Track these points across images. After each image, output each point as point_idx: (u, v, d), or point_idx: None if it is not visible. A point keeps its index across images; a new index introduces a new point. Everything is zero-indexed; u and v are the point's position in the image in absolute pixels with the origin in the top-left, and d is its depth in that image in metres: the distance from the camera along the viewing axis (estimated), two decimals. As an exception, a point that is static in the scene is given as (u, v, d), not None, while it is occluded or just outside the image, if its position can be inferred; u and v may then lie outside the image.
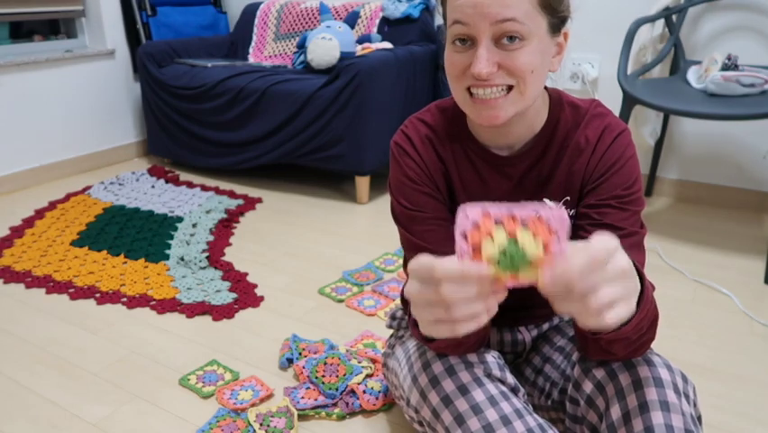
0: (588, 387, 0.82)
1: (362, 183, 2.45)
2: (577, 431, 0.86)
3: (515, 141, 0.88)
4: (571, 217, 0.90)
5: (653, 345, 0.84)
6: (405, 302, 1.13)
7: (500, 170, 0.90)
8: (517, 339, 1.05)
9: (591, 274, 0.55)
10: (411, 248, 0.92)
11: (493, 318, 1.04)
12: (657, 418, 0.74)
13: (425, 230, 0.90)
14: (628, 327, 0.69)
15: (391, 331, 1.21)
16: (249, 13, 3.18)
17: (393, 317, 1.15)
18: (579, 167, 0.87)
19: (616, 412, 0.77)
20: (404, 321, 1.12)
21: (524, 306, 1.02)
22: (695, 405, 0.80)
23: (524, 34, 0.74)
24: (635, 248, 0.82)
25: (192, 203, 2.47)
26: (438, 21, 2.73)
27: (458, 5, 0.76)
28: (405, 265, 0.96)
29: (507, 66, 0.76)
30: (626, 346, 0.76)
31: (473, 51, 0.77)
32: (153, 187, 2.69)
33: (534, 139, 0.88)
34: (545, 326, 1.06)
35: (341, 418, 1.23)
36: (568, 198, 0.89)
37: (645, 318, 0.72)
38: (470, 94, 0.80)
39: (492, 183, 0.90)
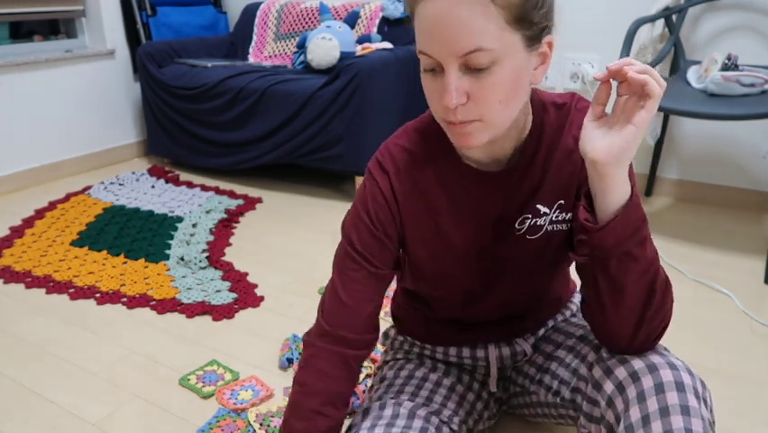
0: (609, 388, 0.82)
1: (362, 183, 2.44)
2: (592, 431, 0.85)
3: (501, 154, 0.85)
4: (567, 221, 0.89)
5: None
6: (396, 318, 1.12)
7: (492, 185, 0.87)
8: (516, 351, 1.04)
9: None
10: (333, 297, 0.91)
11: (490, 335, 1.03)
12: (677, 422, 0.73)
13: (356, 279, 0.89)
14: (620, 220, 0.73)
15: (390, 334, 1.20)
16: (249, 14, 3.18)
17: (386, 335, 1.15)
18: (571, 169, 0.86)
19: (635, 414, 0.76)
20: (396, 341, 1.12)
21: (518, 317, 1.02)
22: (711, 410, 0.80)
23: (493, 60, 0.70)
24: None
25: (192, 203, 2.47)
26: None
27: (421, 35, 0.72)
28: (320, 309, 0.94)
29: (475, 95, 0.71)
30: (632, 267, 0.76)
31: (442, 79, 0.72)
32: (153, 187, 2.69)
33: (521, 149, 0.85)
34: (541, 331, 1.06)
35: (341, 418, 1.23)
36: (562, 201, 0.88)
37: (639, 222, 0.74)
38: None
39: (484, 200, 0.88)
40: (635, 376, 0.79)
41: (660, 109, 1.86)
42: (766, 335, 1.51)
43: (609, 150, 0.72)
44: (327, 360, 0.89)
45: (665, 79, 2.26)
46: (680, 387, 0.76)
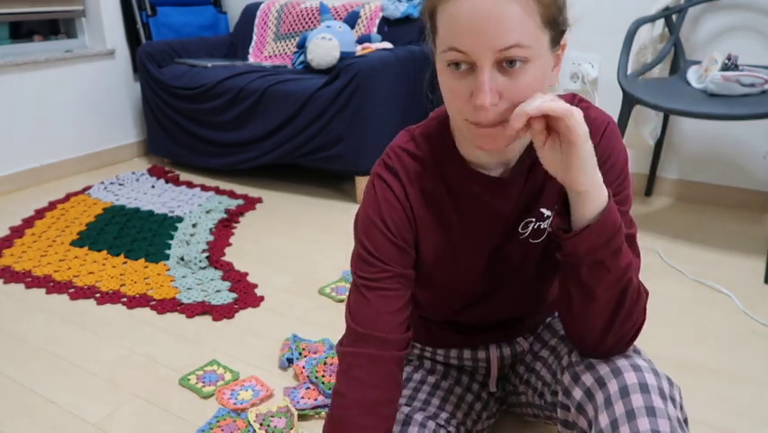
0: (578, 394, 0.82)
1: (362, 183, 2.45)
2: None
3: (510, 158, 0.85)
4: None
5: (647, 348, 0.84)
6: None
7: (498, 190, 0.86)
8: (516, 351, 1.05)
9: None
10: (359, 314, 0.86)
11: (491, 336, 1.03)
12: (644, 424, 0.74)
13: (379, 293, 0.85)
14: (592, 228, 0.73)
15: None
16: (249, 14, 3.19)
17: None
18: None
19: (604, 420, 0.77)
20: None
21: (517, 318, 1.02)
22: (681, 408, 0.80)
23: (528, 57, 0.70)
24: (630, 249, 0.81)
25: (192, 203, 2.47)
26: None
27: (453, 31, 0.70)
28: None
29: (507, 95, 0.71)
30: (604, 276, 0.76)
31: (473, 77, 0.71)
32: (153, 187, 2.69)
33: (526, 152, 0.85)
34: (540, 329, 1.06)
35: (341, 418, 1.23)
36: None
37: (613, 231, 0.74)
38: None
39: (490, 205, 0.87)
40: (600, 382, 0.80)
41: (660, 109, 1.86)
42: (766, 335, 1.51)
43: (558, 161, 0.74)
44: (366, 367, 0.84)
45: (665, 79, 2.26)
46: (644, 388, 0.77)
